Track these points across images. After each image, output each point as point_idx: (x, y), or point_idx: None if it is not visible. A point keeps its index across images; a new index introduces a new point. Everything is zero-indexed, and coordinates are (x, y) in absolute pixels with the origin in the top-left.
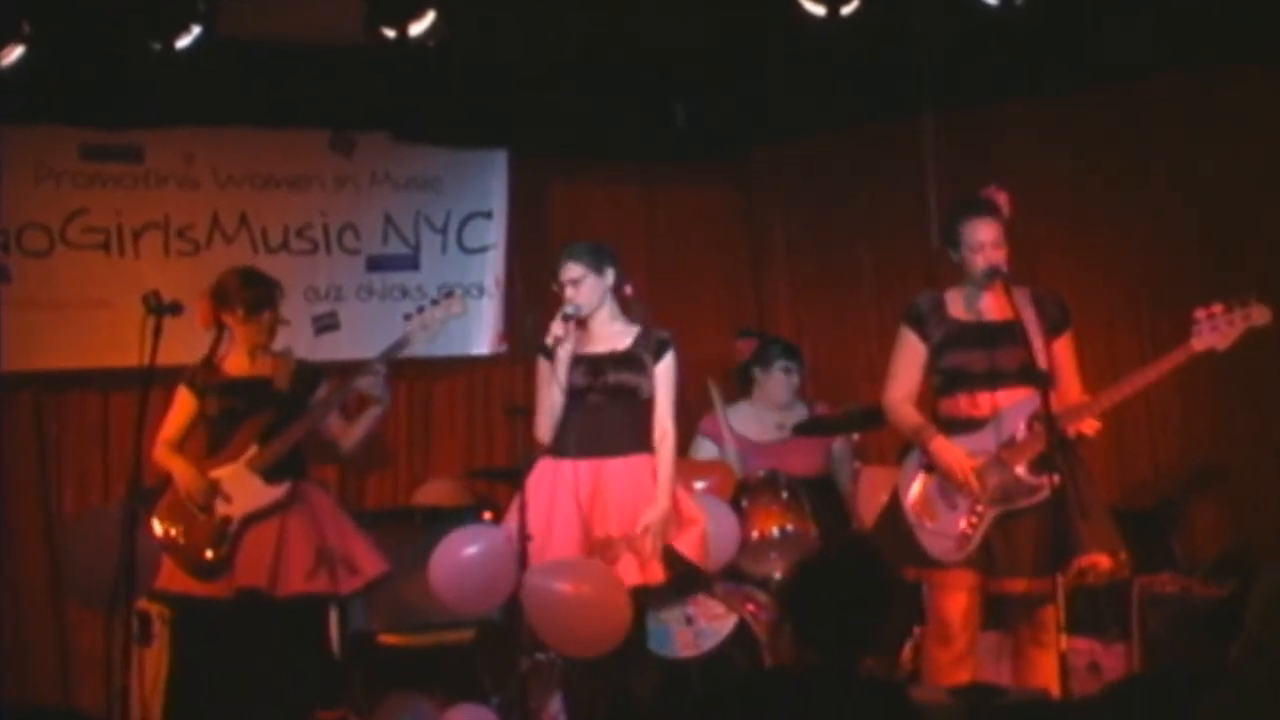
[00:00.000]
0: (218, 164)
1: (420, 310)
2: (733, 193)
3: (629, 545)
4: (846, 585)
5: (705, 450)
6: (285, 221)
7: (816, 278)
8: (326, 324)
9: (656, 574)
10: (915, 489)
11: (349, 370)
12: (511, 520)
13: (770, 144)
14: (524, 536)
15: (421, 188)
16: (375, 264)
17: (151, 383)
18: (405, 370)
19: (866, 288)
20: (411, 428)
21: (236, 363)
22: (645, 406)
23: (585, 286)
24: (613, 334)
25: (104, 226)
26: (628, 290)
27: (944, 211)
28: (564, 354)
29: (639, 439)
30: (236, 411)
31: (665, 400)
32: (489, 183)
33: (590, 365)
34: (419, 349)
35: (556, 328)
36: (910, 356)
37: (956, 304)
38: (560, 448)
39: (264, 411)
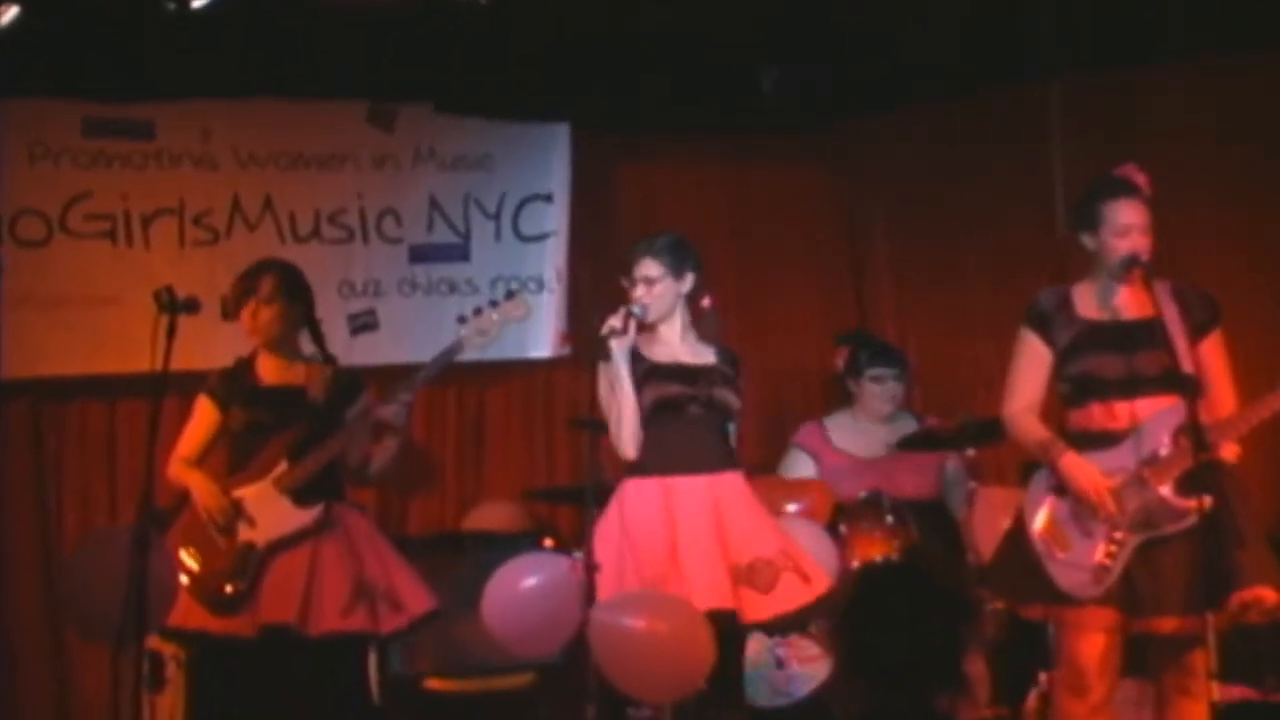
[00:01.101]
0: (239, 141)
1: (477, 313)
2: (827, 171)
3: (781, 566)
4: (898, 606)
5: (800, 466)
6: (316, 206)
7: (924, 269)
8: (364, 323)
9: (819, 588)
10: (1043, 514)
11: (389, 377)
12: (599, 550)
13: (870, 115)
14: (591, 566)
15: (472, 167)
16: (419, 254)
17: (164, 390)
18: (453, 376)
19: (982, 281)
20: (461, 442)
21: (267, 369)
22: (726, 425)
23: (659, 289)
24: (691, 346)
25: (109, 213)
26: (706, 302)
27: (1072, 192)
28: (621, 351)
29: (731, 456)
30: (264, 424)
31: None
32: (549, 161)
33: (685, 374)
34: (471, 353)
35: (616, 320)
36: (1033, 362)
37: (1086, 300)
38: (646, 464)
39: (295, 425)
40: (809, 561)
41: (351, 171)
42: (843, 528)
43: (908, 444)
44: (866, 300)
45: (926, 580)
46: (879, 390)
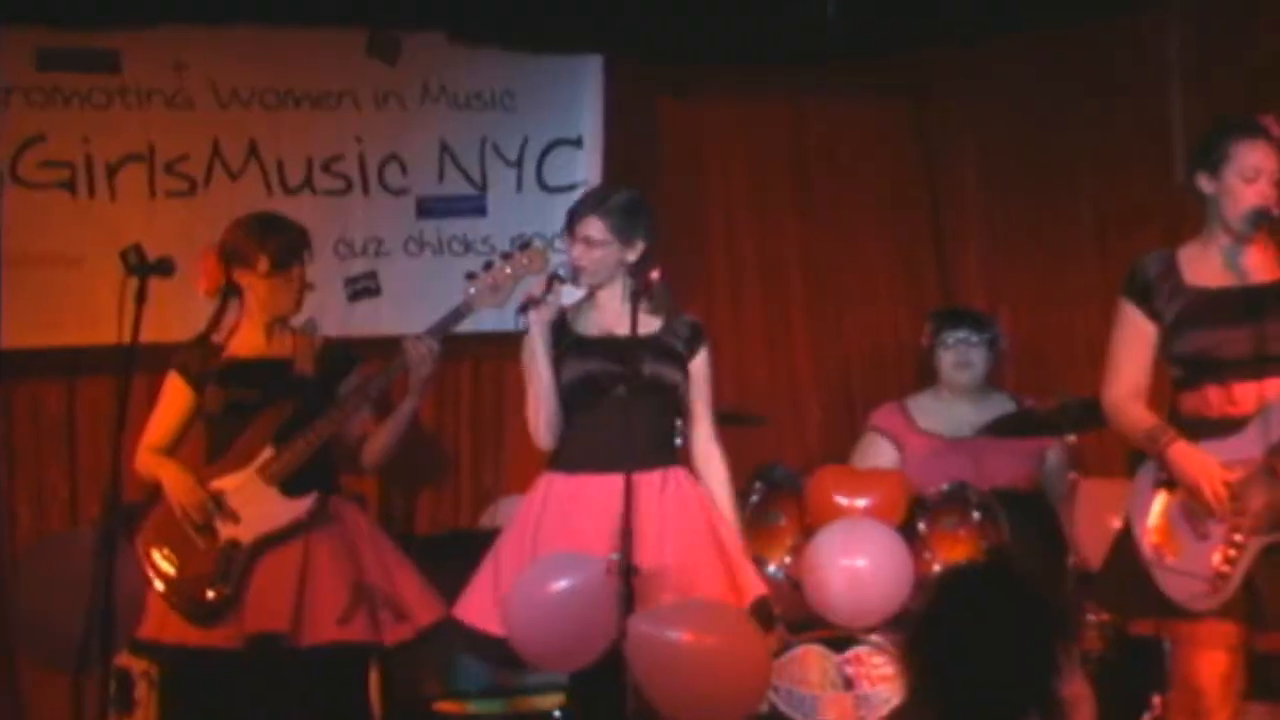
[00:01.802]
0: (218, 76)
1: (488, 267)
2: (904, 112)
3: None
4: (982, 616)
5: (878, 453)
6: (308, 152)
7: (1019, 226)
8: (364, 288)
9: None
10: (1153, 513)
11: (393, 350)
12: (513, 547)
13: (953, 45)
14: (628, 569)
15: (489, 106)
16: (428, 208)
17: (133, 366)
18: (467, 349)
19: (1087, 241)
20: (477, 427)
21: (247, 340)
22: (675, 410)
23: (599, 254)
24: (629, 316)
25: (68, 160)
26: (655, 275)
27: (1192, 139)
28: (539, 323)
29: (663, 449)
30: (246, 404)
31: (708, 406)
32: (578, 99)
33: (613, 349)
34: (485, 320)
35: (535, 287)
36: (1135, 340)
37: (1196, 264)
38: (558, 456)
39: (282, 403)
40: (739, 571)
41: (349, 111)
42: (921, 525)
43: (998, 428)
44: (950, 262)
45: (1018, 586)
46: (955, 357)
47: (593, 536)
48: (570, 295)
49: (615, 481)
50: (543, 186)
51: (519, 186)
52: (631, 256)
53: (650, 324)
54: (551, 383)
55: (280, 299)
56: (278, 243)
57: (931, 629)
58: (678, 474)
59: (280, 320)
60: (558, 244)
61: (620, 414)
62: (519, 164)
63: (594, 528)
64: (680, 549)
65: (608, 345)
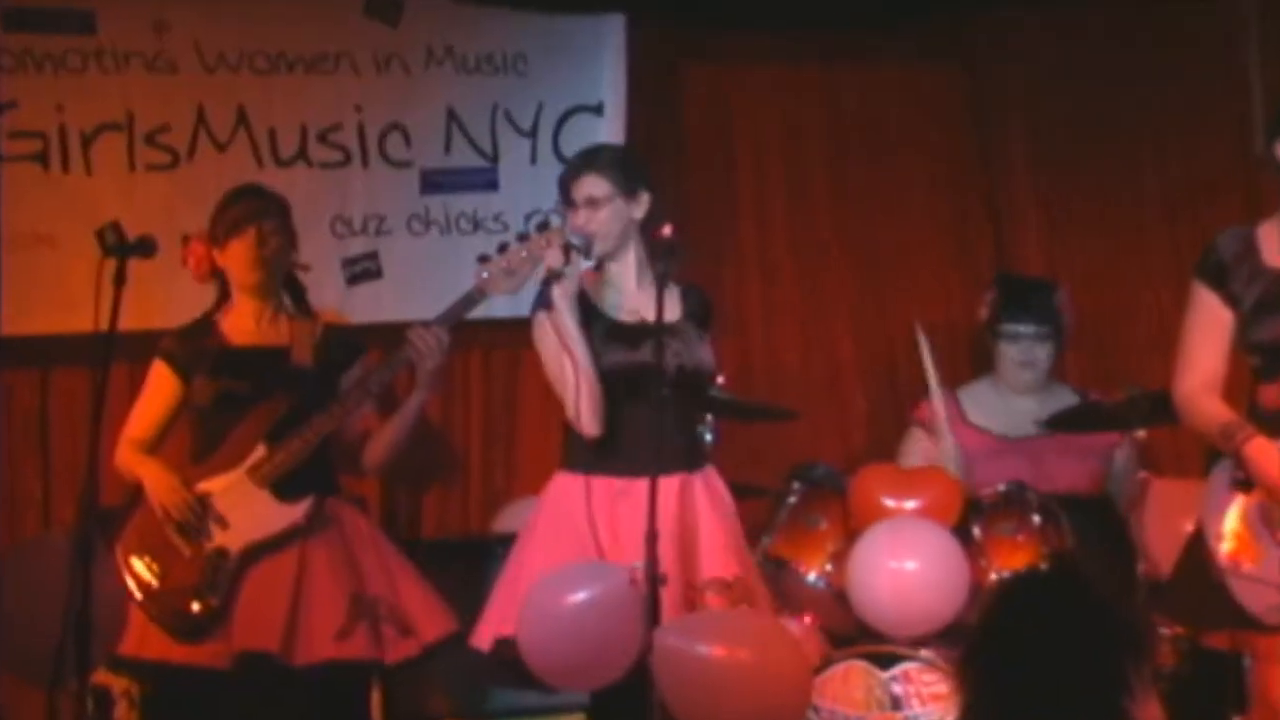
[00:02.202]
0: (203, 37)
1: (502, 249)
2: (954, 78)
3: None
4: (1045, 630)
5: (925, 449)
6: (302, 120)
7: (1081, 203)
8: (363, 270)
9: None
10: (1229, 517)
11: (396, 339)
12: (533, 550)
13: (1005, 3)
14: (655, 577)
15: (501, 71)
16: (434, 182)
17: (111, 355)
18: (476, 337)
19: (1155, 217)
20: (488, 422)
21: (237, 326)
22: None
23: (606, 214)
24: (648, 292)
25: (40, 130)
26: (666, 230)
27: (1272, 97)
28: (566, 297)
29: (703, 446)
30: (237, 397)
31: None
32: (598, 63)
33: (650, 336)
34: (498, 306)
35: (553, 256)
36: (1209, 327)
37: (1278, 244)
38: (596, 459)
39: (277, 396)
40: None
41: (347, 76)
42: (976, 530)
43: (1060, 423)
44: (1006, 242)
45: (1088, 596)
46: (1014, 352)
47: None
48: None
49: (661, 485)
50: (560, 158)
51: (533, 158)
52: (638, 212)
53: (670, 303)
54: (591, 363)
55: (239, 269)
56: (235, 211)
57: (989, 642)
58: (712, 475)
59: (262, 296)
60: None
61: (658, 409)
62: (533, 133)
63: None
64: (733, 561)
65: (644, 333)
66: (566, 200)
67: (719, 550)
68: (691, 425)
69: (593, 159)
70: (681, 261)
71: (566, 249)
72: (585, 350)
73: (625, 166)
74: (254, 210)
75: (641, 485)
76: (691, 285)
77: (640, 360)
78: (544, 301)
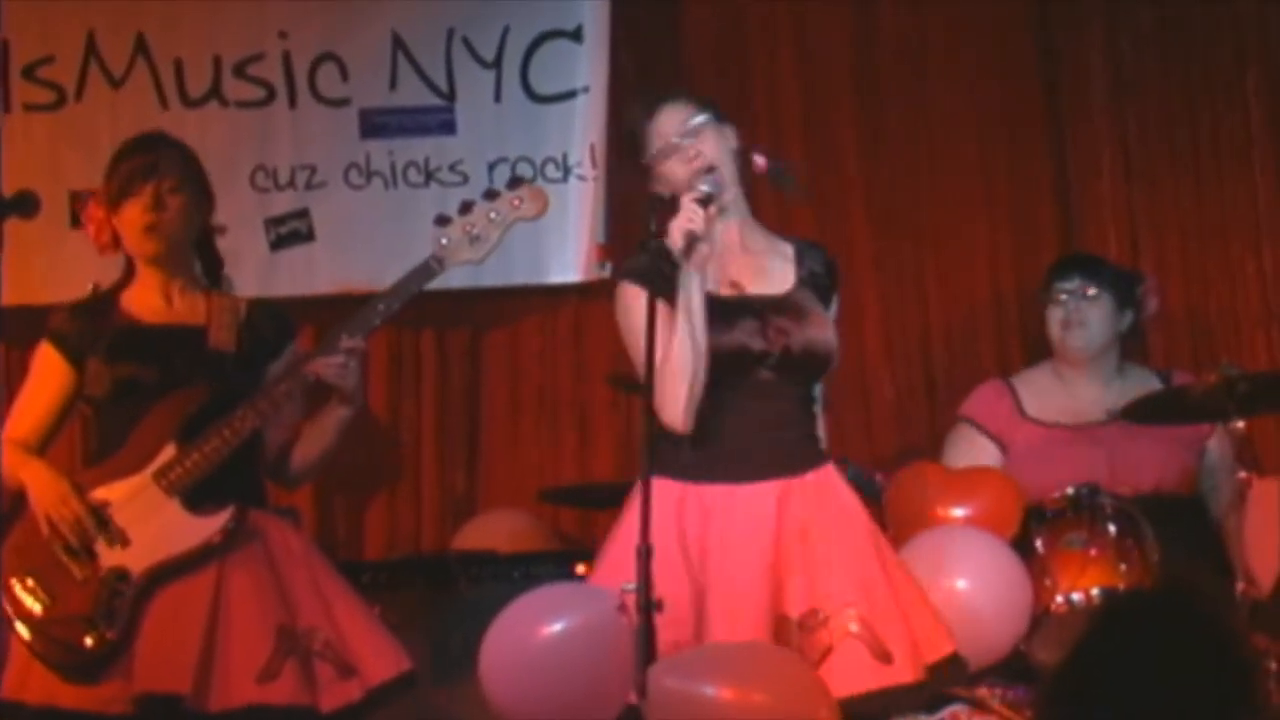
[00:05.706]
0: None
1: (464, 210)
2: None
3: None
4: (1133, 660)
5: (975, 449)
6: (215, 50)
7: (1165, 151)
8: (291, 231)
9: (905, 669)
10: None
11: (330, 312)
12: (612, 570)
13: None
14: (649, 604)
15: None
16: (376, 125)
17: None
18: (432, 312)
19: (1256, 164)
20: (444, 415)
21: (141, 300)
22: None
23: (712, 141)
24: (760, 254)
25: None
26: (760, 162)
27: None
28: (702, 268)
29: (815, 443)
30: (141, 386)
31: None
32: None
33: (753, 312)
34: (455, 275)
35: (688, 219)
36: None
37: None
38: (691, 463)
39: (189, 387)
40: (917, 625)
41: None
42: (1039, 541)
43: (1139, 412)
44: (1075, 196)
45: (1179, 620)
46: (1062, 314)
47: (758, 569)
48: None
49: (768, 490)
50: (530, 95)
51: (497, 95)
52: (734, 142)
53: (780, 264)
54: (698, 360)
55: (132, 237)
56: (126, 166)
57: (1077, 681)
58: (830, 473)
59: (168, 268)
60: (548, 172)
61: (764, 400)
62: (498, 65)
63: (757, 556)
64: (856, 583)
65: (747, 308)
66: (641, 154)
67: (833, 574)
68: (802, 420)
69: (657, 95)
70: (797, 190)
71: (707, 204)
72: (704, 335)
73: (698, 96)
74: (148, 165)
75: (744, 493)
76: (812, 244)
77: (743, 341)
78: (646, 278)
